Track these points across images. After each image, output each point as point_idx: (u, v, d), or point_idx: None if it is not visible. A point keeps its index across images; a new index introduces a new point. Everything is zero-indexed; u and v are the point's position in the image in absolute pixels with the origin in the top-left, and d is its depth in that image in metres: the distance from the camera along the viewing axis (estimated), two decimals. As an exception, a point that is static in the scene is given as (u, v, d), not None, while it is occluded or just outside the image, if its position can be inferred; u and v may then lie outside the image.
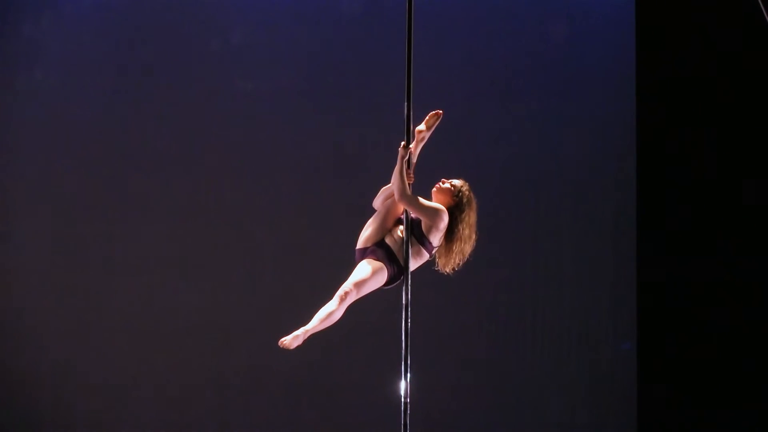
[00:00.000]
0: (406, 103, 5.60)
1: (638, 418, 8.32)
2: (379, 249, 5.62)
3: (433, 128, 5.65)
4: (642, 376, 8.36)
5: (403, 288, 5.68)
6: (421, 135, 5.63)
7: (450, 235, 5.69)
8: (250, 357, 8.71)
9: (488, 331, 8.57)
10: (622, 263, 8.56)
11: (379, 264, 5.59)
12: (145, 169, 8.88)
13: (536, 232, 8.73)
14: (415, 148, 5.60)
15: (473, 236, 5.82)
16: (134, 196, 8.85)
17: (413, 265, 5.62)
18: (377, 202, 5.76)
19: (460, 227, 5.68)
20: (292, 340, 5.46)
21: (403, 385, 5.70)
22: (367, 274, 5.54)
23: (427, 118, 5.66)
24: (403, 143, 5.51)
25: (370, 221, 5.75)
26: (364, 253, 5.67)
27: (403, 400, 5.70)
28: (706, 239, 8.35)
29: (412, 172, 5.58)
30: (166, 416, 8.65)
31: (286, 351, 8.58)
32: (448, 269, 5.79)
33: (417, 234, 5.59)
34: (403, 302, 5.72)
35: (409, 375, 5.74)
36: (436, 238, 5.66)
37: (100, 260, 8.82)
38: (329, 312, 5.58)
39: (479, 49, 8.82)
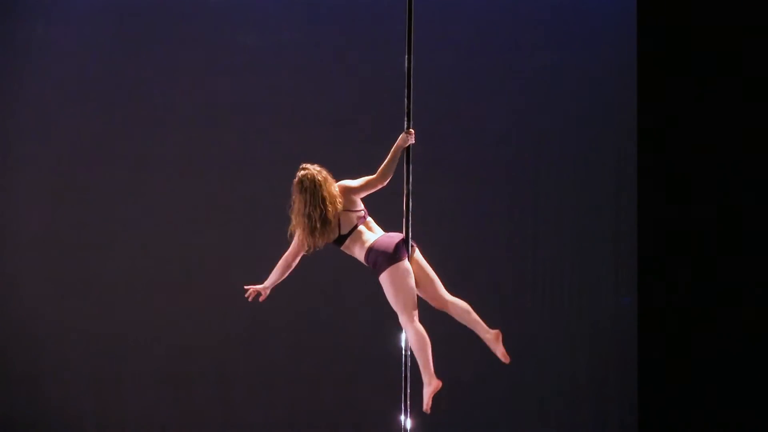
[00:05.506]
0: (406, 56, 5.59)
1: (639, 370, 8.37)
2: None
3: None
4: (642, 331, 8.40)
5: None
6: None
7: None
8: (252, 309, 8.73)
9: (488, 284, 8.59)
10: (624, 216, 8.57)
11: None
12: (146, 124, 8.85)
13: (537, 188, 8.73)
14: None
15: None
16: (135, 152, 8.82)
17: None
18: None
19: None
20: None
21: (403, 338, 5.74)
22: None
23: None
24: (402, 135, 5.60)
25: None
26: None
27: (403, 352, 5.74)
28: (706, 187, 8.36)
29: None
30: (167, 367, 8.68)
31: (286, 304, 8.65)
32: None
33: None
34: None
35: (409, 328, 5.77)
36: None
37: (105, 219, 8.81)
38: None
39: (482, 9, 8.78)
